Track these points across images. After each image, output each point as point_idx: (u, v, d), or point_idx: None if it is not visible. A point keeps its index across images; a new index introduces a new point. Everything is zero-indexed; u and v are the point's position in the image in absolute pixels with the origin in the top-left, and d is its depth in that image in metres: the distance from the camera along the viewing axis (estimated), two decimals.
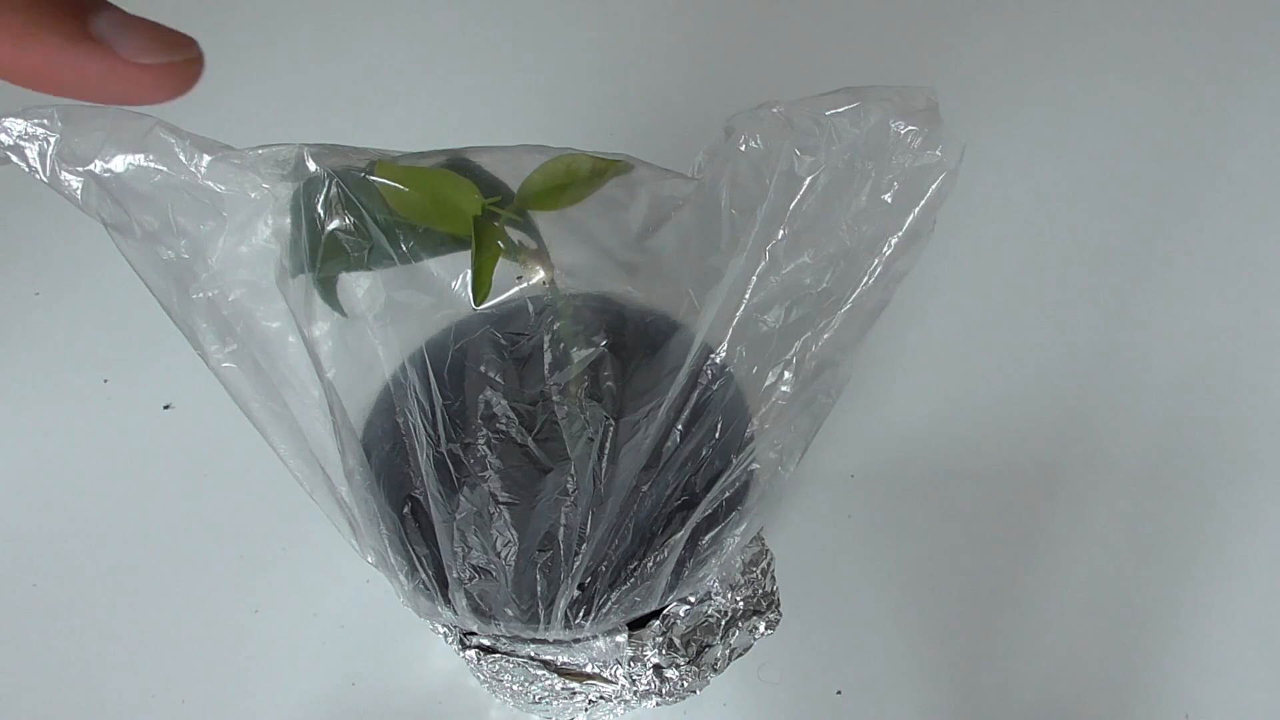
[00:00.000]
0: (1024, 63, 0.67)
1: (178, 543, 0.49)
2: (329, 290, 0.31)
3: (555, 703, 0.38)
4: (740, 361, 0.32)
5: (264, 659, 0.46)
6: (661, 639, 0.36)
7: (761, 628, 0.39)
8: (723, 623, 0.37)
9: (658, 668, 0.37)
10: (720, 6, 0.72)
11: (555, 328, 0.33)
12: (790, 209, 0.29)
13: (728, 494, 0.33)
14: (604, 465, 0.33)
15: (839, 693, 0.44)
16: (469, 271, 0.30)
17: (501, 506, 0.33)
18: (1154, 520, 0.49)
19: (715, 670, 0.38)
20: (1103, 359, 0.54)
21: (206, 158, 0.28)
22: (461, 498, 0.33)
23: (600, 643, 0.35)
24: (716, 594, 0.37)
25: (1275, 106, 0.64)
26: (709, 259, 0.32)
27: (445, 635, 0.38)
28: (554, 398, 0.34)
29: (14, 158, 0.27)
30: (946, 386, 0.53)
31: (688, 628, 0.37)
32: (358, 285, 0.31)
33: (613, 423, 0.33)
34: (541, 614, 0.33)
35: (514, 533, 0.33)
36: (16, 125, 0.26)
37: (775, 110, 0.29)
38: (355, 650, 0.46)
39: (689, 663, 0.37)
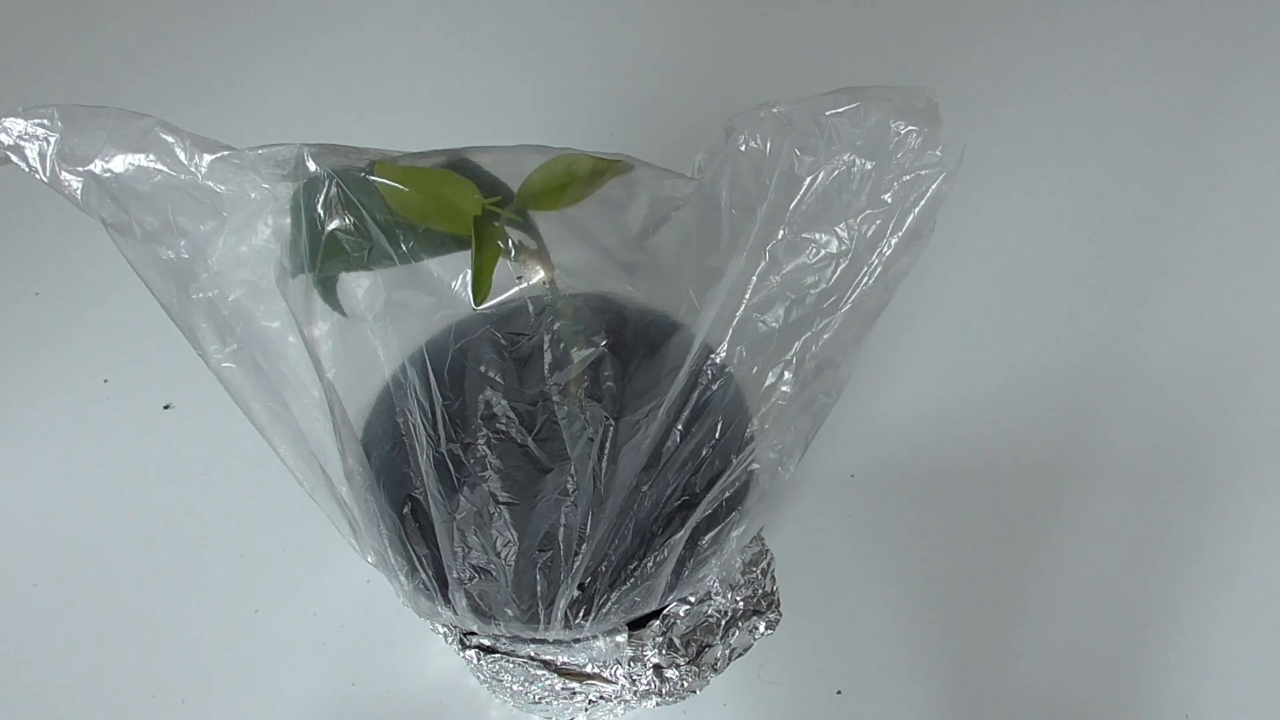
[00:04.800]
0: (1024, 63, 0.67)
1: (178, 543, 0.49)
2: (329, 290, 0.31)
3: (555, 703, 0.38)
4: (740, 361, 0.32)
5: (264, 659, 0.46)
6: (661, 639, 0.36)
7: (761, 628, 0.39)
8: (723, 623, 0.37)
9: (658, 668, 0.37)
10: (720, 7, 0.72)
11: (555, 328, 0.33)
12: (790, 209, 0.29)
13: (728, 494, 0.33)
14: (604, 465, 0.33)
15: (839, 693, 0.44)
16: (469, 271, 0.30)
17: (501, 506, 0.33)
18: (1154, 520, 0.49)
19: (715, 670, 0.38)
20: (1102, 359, 0.54)
21: (206, 158, 0.28)
22: (461, 498, 0.33)
23: (600, 643, 0.35)
24: (716, 594, 0.37)
25: (1275, 106, 0.64)
26: (709, 259, 0.32)
27: (445, 635, 0.38)
28: (554, 398, 0.34)
29: (14, 158, 0.27)
30: (946, 386, 0.53)
31: (688, 628, 0.37)
32: (358, 285, 0.31)
33: (613, 423, 0.33)
34: (541, 614, 0.33)
35: (514, 533, 0.33)
36: (16, 125, 0.26)
37: (775, 110, 0.29)
38: (355, 650, 0.46)
39: (689, 663, 0.37)
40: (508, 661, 0.36)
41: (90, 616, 0.47)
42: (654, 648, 0.36)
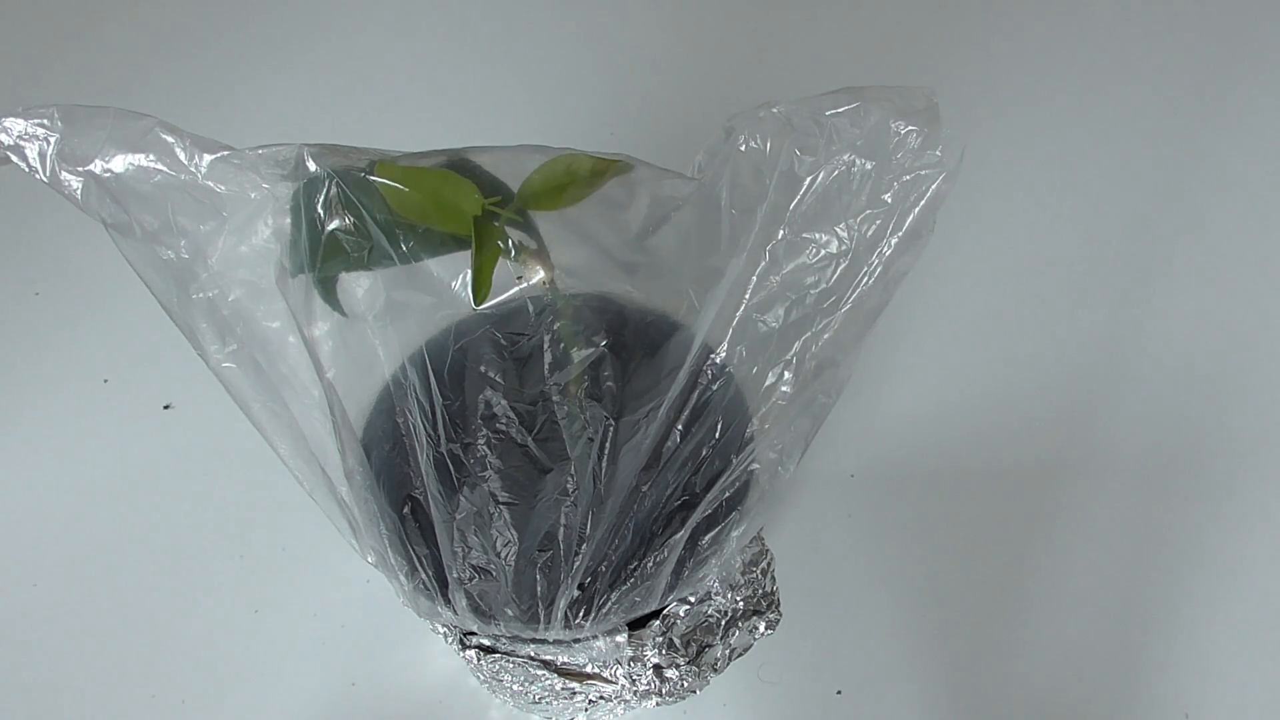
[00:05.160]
0: (1024, 63, 0.67)
1: (178, 543, 0.49)
2: (329, 290, 0.31)
3: (555, 703, 0.38)
4: (740, 361, 0.32)
5: (264, 659, 0.46)
6: (661, 639, 0.36)
7: (761, 628, 0.39)
8: (723, 623, 0.37)
9: (658, 668, 0.37)
10: (720, 7, 0.72)
11: (555, 328, 0.33)
12: (790, 209, 0.29)
13: (728, 494, 0.33)
14: (604, 465, 0.33)
15: (839, 693, 0.44)
16: (469, 271, 0.30)
17: (501, 506, 0.33)
18: (1154, 520, 0.49)
19: (715, 670, 0.38)
20: (1102, 359, 0.54)
21: (206, 157, 0.28)
22: (461, 498, 0.33)
23: (600, 643, 0.35)
24: (716, 594, 0.37)
25: (1275, 106, 0.64)
26: (709, 259, 0.32)
27: (445, 635, 0.38)
28: (554, 398, 0.34)
29: (14, 158, 0.27)
30: (946, 386, 0.53)
31: (688, 628, 0.37)
32: (358, 285, 0.31)
33: (613, 423, 0.33)
34: (541, 614, 0.33)
35: (514, 533, 0.33)
36: (17, 125, 0.26)
37: (775, 110, 0.29)
38: (355, 650, 0.46)
39: (689, 663, 0.37)
40: (508, 661, 0.36)
41: (90, 616, 0.47)
42: (654, 648, 0.36)
